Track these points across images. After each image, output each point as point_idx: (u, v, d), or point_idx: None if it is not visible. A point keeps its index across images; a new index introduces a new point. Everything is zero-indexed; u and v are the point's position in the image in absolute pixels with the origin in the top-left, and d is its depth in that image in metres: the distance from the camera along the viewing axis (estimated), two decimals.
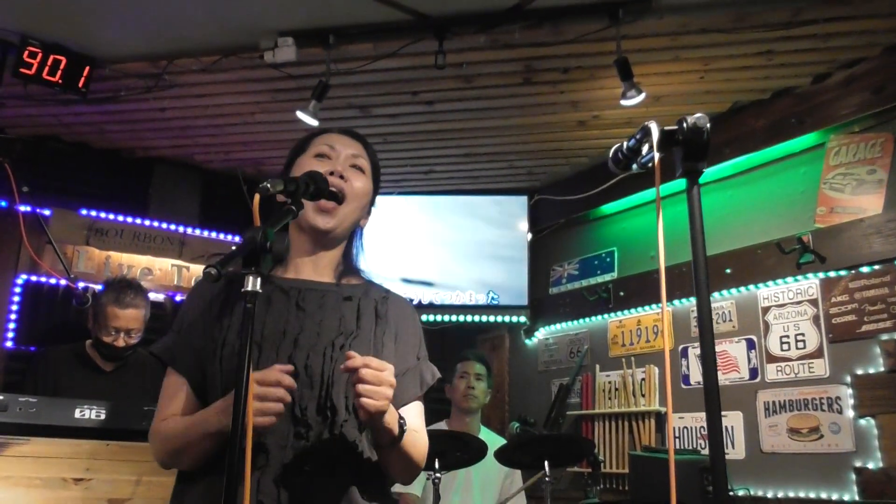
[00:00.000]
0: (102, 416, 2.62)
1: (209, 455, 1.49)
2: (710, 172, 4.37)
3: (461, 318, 5.40)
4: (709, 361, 1.36)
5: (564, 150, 5.04)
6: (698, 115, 1.40)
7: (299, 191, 1.50)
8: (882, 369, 3.54)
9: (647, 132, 1.46)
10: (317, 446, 1.50)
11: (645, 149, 1.49)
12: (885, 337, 3.55)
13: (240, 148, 5.10)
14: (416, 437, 1.61)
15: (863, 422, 3.57)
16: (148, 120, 4.66)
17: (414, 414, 1.66)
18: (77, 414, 2.59)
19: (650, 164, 1.48)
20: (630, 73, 3.55)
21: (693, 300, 1.39)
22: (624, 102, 3.71)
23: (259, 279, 1.30)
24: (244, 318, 1.29)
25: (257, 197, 1.38)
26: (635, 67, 3.57)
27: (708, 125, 1.39)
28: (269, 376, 1.39)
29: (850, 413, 3.62)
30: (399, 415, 1.53)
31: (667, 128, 1.43)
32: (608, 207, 5.17)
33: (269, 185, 1.40)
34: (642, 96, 3.65)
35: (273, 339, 1.56)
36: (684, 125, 1.40)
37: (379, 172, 1.83)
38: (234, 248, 1.37)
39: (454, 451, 3.40)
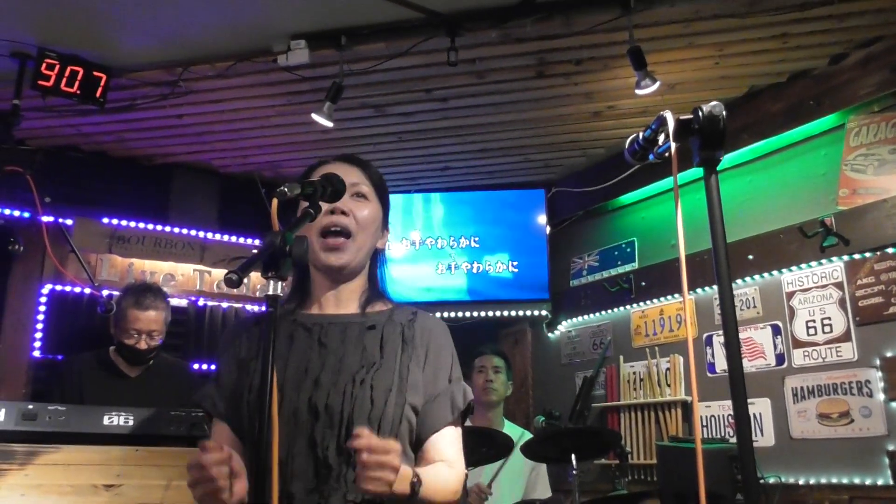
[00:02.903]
0: (131, 422, 2.64)
1: None
2: (728, 158, 4.34)
3: (482, 313, 5.40)
4: (733, 349, 1.35)
5: (580, 142, 5.02)
6: (714, 103, 1.39)
7: (317, 194, 1.50)
8: None
9: (662, 122, 1.46)
10: (341, 488, 1.47)
11: (661, 139, 1.48)
12: None
13: (257, 152, 5.13)
14: (439, 480, 1.54)
15: (894, 404, 3.53)
16: (165, 127, 4.70)
17: (447, 442, 1.61)
18: (106, 421, 2.60)
19: (667, 154, 1.47)
20: (644, 62, 3.52)
21: (716, 287, 1.38)
22: (638, 91, 3.69)
23: (280, 283, 1.30)
24: (267, 320, 1.28)
25: (275, 201, 1.38)
26: (649, 56, 3.55)
27: (724, 113, 1.38)
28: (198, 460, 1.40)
29: (881, 396, 3.57)
30: (413, 473, 1.45)
31: (682, 117, 1.43)
32: (627, 197, 5.15)
33: (286, 190, 1.40)
34: (657, 85, 3.63)
35: (294, 379, 1.55)
36: (700, 114, 1.39)
37: (385, 190, 1.79)
38: (254, 251, 1.37)
39: (479, 447, 3.40)
